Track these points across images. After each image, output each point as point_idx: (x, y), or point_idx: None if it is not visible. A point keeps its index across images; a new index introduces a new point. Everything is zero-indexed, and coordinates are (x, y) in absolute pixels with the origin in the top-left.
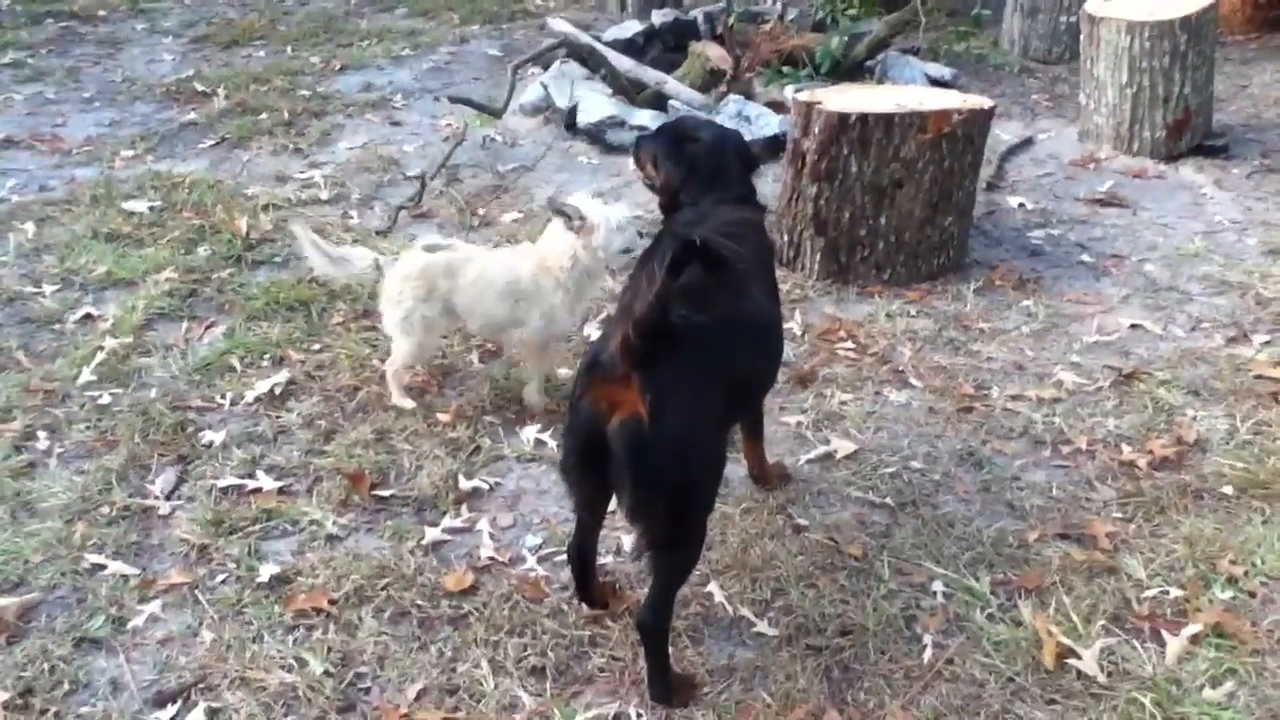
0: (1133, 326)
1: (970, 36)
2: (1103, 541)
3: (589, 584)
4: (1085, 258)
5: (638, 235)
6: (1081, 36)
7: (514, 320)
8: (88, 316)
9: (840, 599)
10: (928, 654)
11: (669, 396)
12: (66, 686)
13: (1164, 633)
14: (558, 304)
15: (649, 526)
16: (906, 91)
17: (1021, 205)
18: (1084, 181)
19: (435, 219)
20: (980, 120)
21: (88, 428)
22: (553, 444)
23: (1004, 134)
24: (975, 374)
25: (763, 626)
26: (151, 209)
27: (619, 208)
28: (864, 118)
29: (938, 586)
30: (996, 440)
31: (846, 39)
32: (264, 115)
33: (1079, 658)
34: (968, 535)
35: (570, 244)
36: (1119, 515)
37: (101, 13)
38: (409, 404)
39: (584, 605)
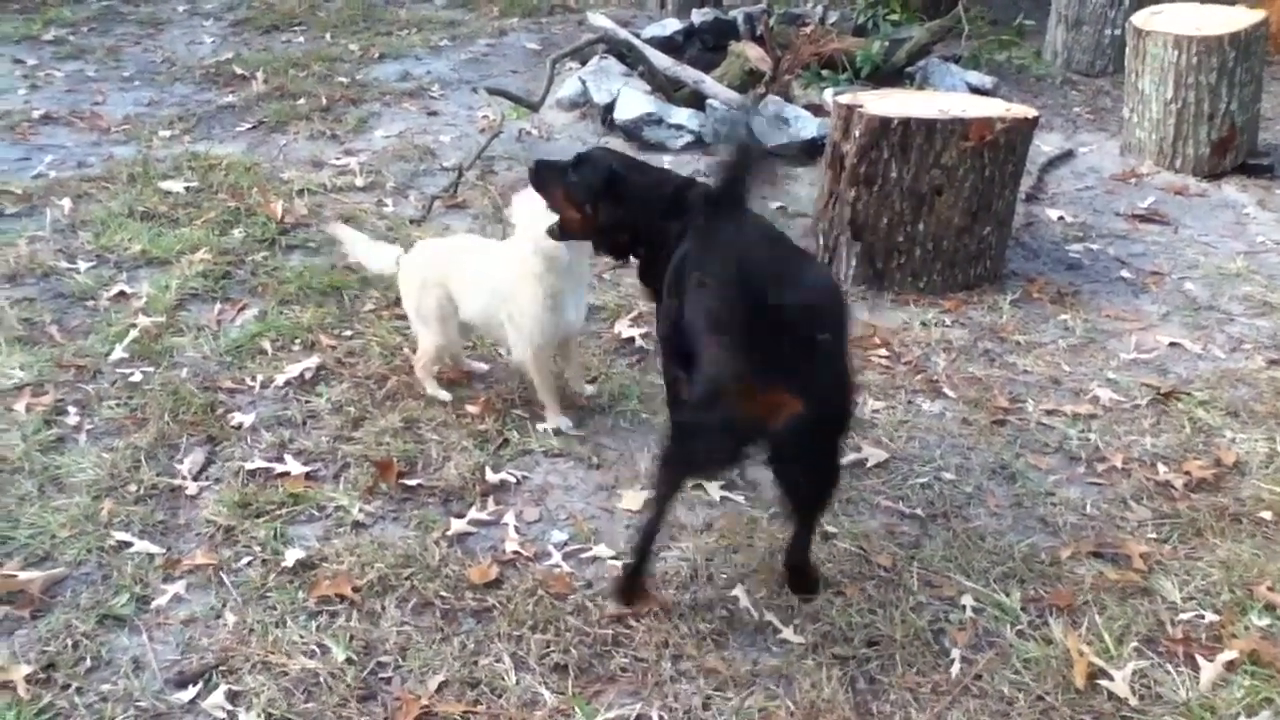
0: (1172, 345)
1: (1012, 46)
2: (1137, 562)
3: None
4: (1125, 274)
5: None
6: (1127, 50)
7: (492, 318)
8: (121, 294)
9: (868, 609)
10: (955, 668)
11: (814, 394)
12: (88, 663)
13: (1198, 657)
14: (536, 303)
15: (822, 490)
16: (949, 98)
17: (1061, 218)
18: (1125, 196)
19: (469, 209)
20: (1023, 130)
21: (118, 405)
22: (578, 443)
23: (1044, 146)
24: (1010, 386)
25: (788, 634)
26: (188, 189)
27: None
28: (906, 122)
29: (967, 600)
30: (1030, 454)
31: (887, 44)
32: (302, 100)
33: (1111, 679)
34: (999, 549)
35: (524, 243)
36: (1154, 536)
37: None
38: (444, 395)
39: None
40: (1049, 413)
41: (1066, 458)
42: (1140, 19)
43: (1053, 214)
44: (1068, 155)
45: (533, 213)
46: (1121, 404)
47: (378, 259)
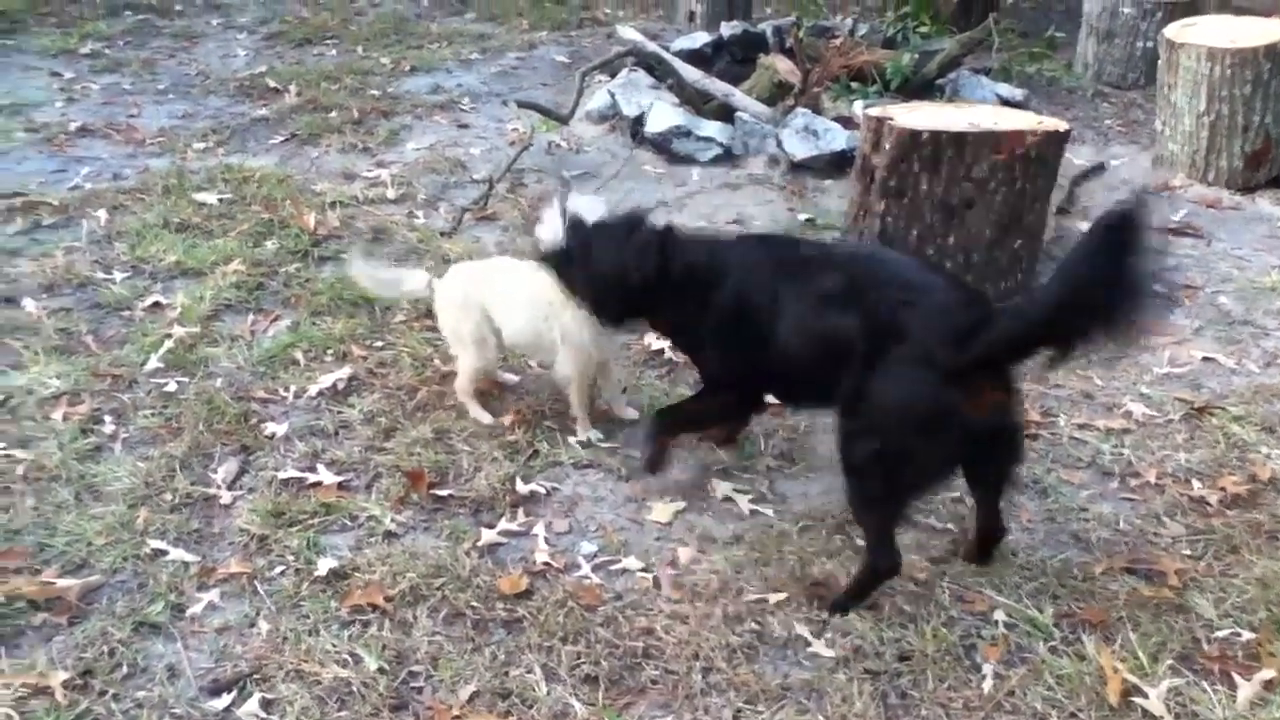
0: (1205, 359)
1: (1043, 58)
2: (1171, 578)
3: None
4: (1157, 287)
5: None
6: (1159, 62)
7: (541, 338)
8: (156, 304)
9: (899, 623)
10: (988, 684)
11: (1004, 376)
12: (125, 670)
13: (1235, 676)
14: (577, 323)
15: (1014, 463)
16: (980, 110)
17: None
18: (1157, 209)
19: (499, 222)
20: (1055, 143)
21: (153, 414)
22: (607, 455)
23: (1076, 159)
24: (1042, 400)
25: (819, 647)
26: (221, 201)
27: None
28: (936, 135)
29: (999, 615)
30: (1063, 469)
31: (917, 56)
32: (334, 113)
33: (1145, 696)
34: (1031, 565)
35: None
36: (1188, 552)
37: (178, 7)
38: (487, 418)
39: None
40: (1081, 427)
41: (1099, 473)
42: (1173, 31)
43: (1084, 227)
44: (1099, 168)
45: (559, 213)
46: (1155, 419)
47: (407, 283)
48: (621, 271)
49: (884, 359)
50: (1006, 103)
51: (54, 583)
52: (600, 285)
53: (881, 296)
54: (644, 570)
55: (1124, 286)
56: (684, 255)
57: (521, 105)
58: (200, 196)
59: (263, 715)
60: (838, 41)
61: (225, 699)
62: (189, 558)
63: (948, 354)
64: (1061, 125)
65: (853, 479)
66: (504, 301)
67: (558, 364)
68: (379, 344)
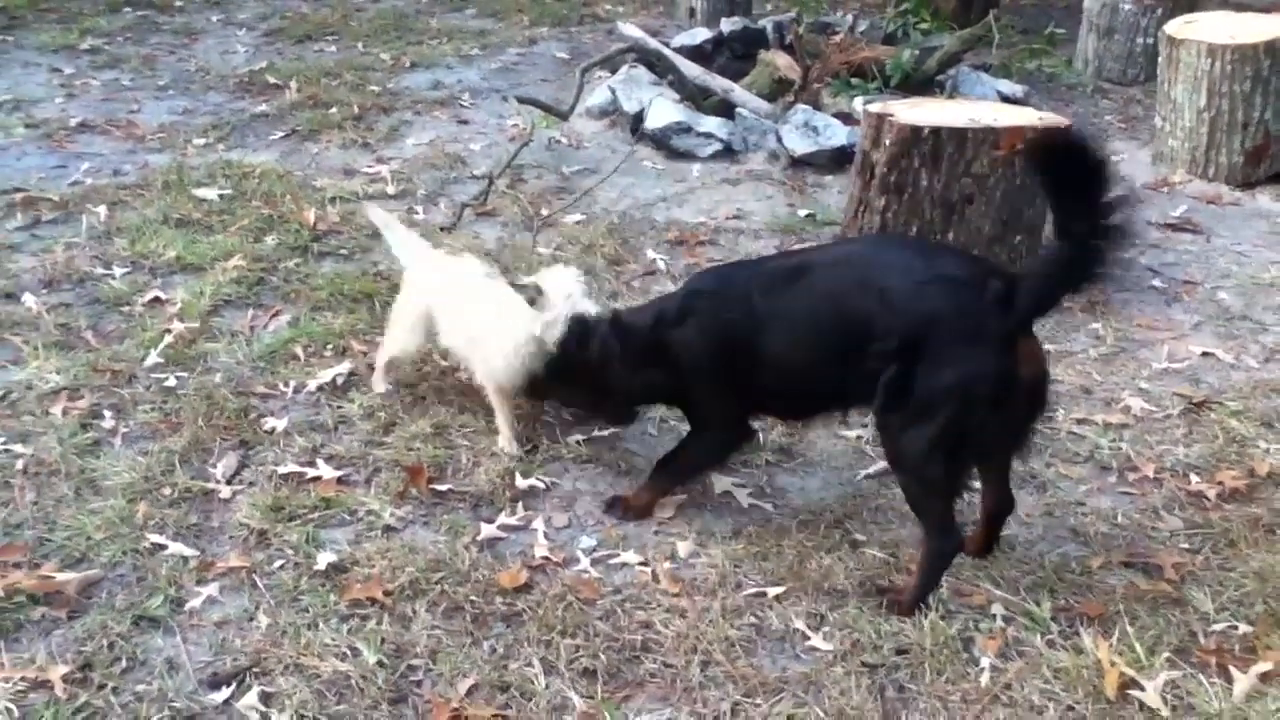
0: (1204, 355)
1: (1043, 55)
2: (1169, 572)
3: None
4: (1156, 283)
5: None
6: (1159, 58)
7: (471, 354)
8: (156, 300)
9: (897, 617)
10: (985, 677)
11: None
12: (124, 663)
13: (1231, 669)
14: (512, 363)
15: (1032, 430)
16: (980, 107)
17: None
18: (1157, 205)
19: (499, 218)
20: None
21: (152, 409)
22: (607, 450)
23: None
24: None
25: (817, 641)
26: (222, 197)
27: (586, 302)
28: (936, 131)
29: (997, 609)
30: (1061, 464)
31: (917, 53)
32: (334, 109)
33: (1142, 689)
34: (1029, 559)
35: (528, 318)
36: (1186, 546)
37: (178, 3)
38: (383, 387)
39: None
40: (1080, 422)
41: (1097, 467)
42: (1173, 27)
43: None
44: None
45: (567, 300)
46: (1153, 414)
47: (405, 254)
48: (596, 375)
49: (928, 345)
50: (1007, 99)
51: (53, 577)
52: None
53: (894, 286)
54: (643, 564)
55: (1109, 229)
56: (631, 347)
57: (522, 101)
58: (200, 192)
59: (262, 708)
60: (838, 38)
61: (225, 692)
62: (188, 552)
63: (994, 323)
64: (1062, 121)
65: (910, 471)
66: (451, 305)
67: (478, 376)
68: (378, 339)
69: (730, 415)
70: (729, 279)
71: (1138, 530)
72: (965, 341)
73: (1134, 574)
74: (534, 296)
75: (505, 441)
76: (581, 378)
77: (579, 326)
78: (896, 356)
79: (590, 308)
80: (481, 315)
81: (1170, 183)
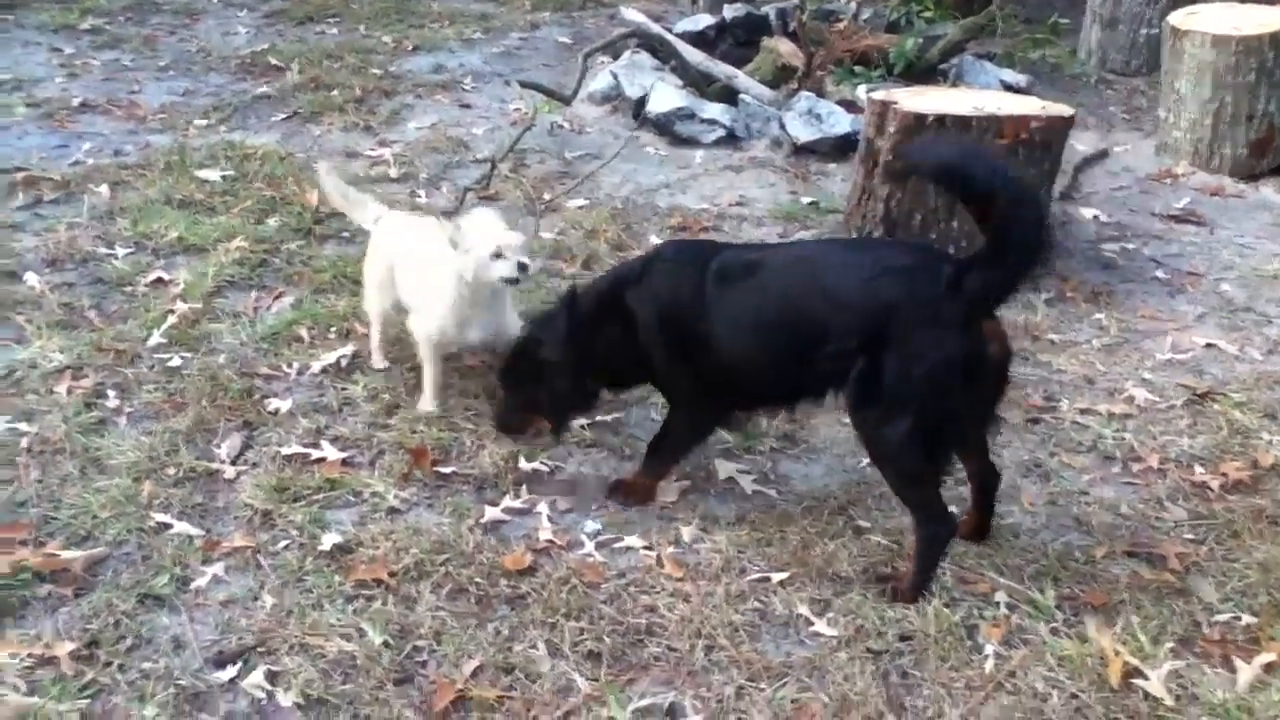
0: (1208, 346)
1: (1047, 45)
2: (1173, 562)
3: None
4: (1160, 274)
5: (522, 266)
6: (1163, 49)
7: (413, 305)
8: (159, 280)
9: (901, 604)
10: (989, 664)
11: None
12: (130, 641)
13: (1235, 659)
14: (441, 309)
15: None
16: (984, 95)
17: (1096, 217)
18: (1160, 197)
19: (502, 202)
20: (1059, 128)
21: (156, 389)
22: (611, 434)
23: (1079, 145)
24: (1044, 385)
25: (821, 626)
26: (224, 178)
27: (508, 236)
28: (941, 119)
29: (1001, 597)
30: (1065, 453)
31: (921, 41)
32: (335, 92)
33: (1146, 678)
34: (1032, 547)
35: (454, 261)
36: (1190, 537)
37: None
38: (381, 364)
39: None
40: (1083, 412)
41: (1101, 457)
42: (1177, 18)
43: (1087, 213)
44: (1102, 155)
45: (483, 236)
46: (1157, 404)
47: (362, 210)
48: (552, 357)
49: (892, 338)
50: (1010, 89)
51: (59, 555)
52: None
53: (846, 285)
54: (647, 549)
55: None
56: (590, 304)
57: (524, 85)
58: (202, 173)
59: (268, 687)
60: (841, 25)
61: (230, 671)
62: (193, 531)
63: (953, 307)
64: (1066, 111)
65: (892, 463)
66: (403, 259)
67: (412, 326)
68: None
69: (693, 390)
70: (690, 255)
71: (1141, 520)
72: (928, 328)
73: (1138, 564)
74: (454, 238)
75: (426, 401)
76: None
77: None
78: (861, 353)
79: (514, 240)
80: (423, 267)
81: (1174, 174)
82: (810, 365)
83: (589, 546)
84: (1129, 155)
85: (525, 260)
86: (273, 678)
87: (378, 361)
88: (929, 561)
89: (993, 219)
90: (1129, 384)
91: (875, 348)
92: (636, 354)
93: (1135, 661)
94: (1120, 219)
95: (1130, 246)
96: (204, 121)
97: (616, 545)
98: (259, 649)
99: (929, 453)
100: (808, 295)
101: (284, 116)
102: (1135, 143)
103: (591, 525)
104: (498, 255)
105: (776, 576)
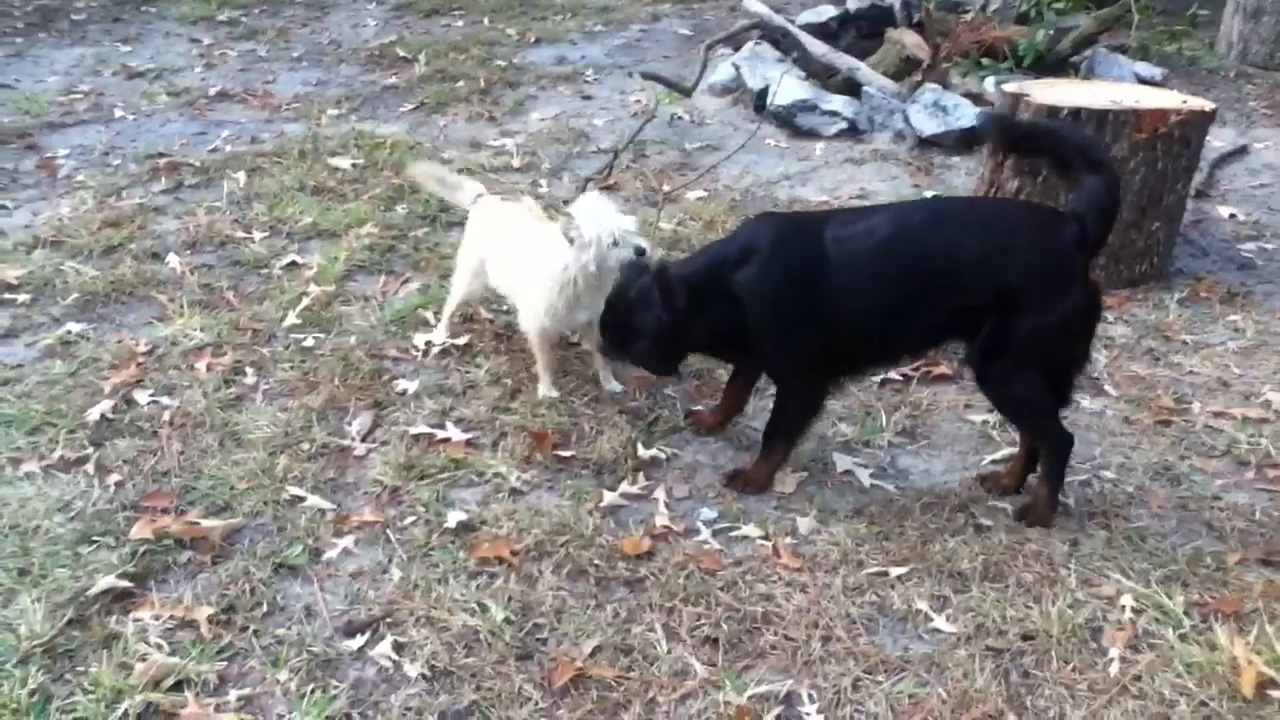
0: None
1: (1184, 37)
2: None
3: None
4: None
5: (639, 250)
6: None
7: (516, 296)
8: (293, 264)
9: (1023, 603)
10: (1114, 668)
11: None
12: (265, 608)
13: None
14: (550, 300)
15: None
16: (1120, 88)
17: (1233, 216)
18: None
19: (622, 193)
20: (1199, 123)
21: (291, 368)
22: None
23: (1216, 141)
24: (1175, 387)
25: (940, 622)
26: (354, 166)
27: (623, 220)
28: (1076, 112)
29: (1126, 600)
30: (1196, 457)
31: (1051, 33)
32: (461, 83)
33: None
34: (1160, 551)
35: (564, 251)
36: None
37: None
38: (440, 337)
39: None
40: (1217, 415)
41: (1235, 462)
42: None
43: (1224, 211)
44: (1241, 151)
45: (601, 225)
46: None
47: (460, 191)
48: (648, 327)
49: (1029, 293)
50: (1145, 82)
51: (199, 523)
52: (640, 348)
53: (977, 241)
54: (763, 538)
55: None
56: (683, 292)
57: (645, 77)
58: (334, 161)
59: (395, 657)
60: (968, 16)
61: (359, 640)
62: (325, 505)
63: (1080, 262)
64: (1207, 105)
65: (1022, 408)
66: (498, 246)
67: (520, 319)
68: (504, 308)
69: (804, 364)
70: (796, 228)
71: (1277, 528)
72: (1059, 284)
73: (1273, 572)
74: (567, 229)
75: (544, 386)
76: (638, 326)
77: (633, 273)
78: (994, 308)
79: (629, 225)
80: (522, 257)
81: None
82: (939, 323)
83: (705, 534)
84: (1270, 152)
85: (643, 244)
86: (399, 648)
87: (440, 335)
88: (1060, 473)
89: (1084, 178)
90: (1266, 388)
91: (1008, 303)
92: (740, 337)
93: (1270, 672)
94: (1259, 217)
95: (1269, 246)
96: (335, 111)
97: (733, 533)
98: (386, 620)
99: (1048, 392)
100: (943, 254)
101: (411, 107)
102: (1277, 139)
103: (708, 513)
104: (615, 243)
105: (895, 571)
